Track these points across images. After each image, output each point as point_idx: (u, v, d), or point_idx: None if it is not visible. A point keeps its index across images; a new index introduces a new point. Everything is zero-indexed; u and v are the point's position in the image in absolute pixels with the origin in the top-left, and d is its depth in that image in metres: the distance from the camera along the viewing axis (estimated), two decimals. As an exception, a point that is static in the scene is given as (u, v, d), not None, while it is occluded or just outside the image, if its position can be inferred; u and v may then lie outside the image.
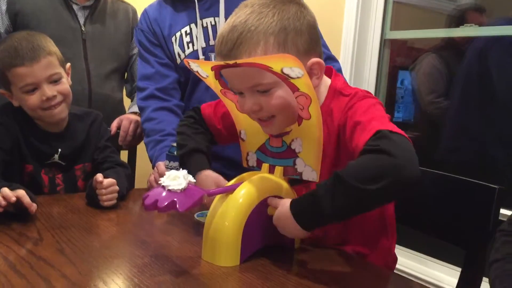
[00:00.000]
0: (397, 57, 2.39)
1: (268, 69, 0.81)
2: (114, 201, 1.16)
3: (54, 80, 1.25)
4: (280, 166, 0.94)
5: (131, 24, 1.80)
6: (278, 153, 0.95)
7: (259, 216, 0.87)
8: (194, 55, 1.45)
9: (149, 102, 1.48)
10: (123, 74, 1.85)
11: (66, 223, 1.03)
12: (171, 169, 1.21)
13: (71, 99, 1.30)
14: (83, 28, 1.69)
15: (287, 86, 0.85)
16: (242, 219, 0.84)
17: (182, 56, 1.46)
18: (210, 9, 1.46)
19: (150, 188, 1.33)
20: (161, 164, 1.29)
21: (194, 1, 1.45)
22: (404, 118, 2.55)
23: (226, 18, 1.06)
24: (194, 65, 0.92)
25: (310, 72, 0.87)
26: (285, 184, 0.92)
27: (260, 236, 0.89)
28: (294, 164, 0.93)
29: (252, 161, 1.02)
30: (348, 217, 0.87)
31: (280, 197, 0.90)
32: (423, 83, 2.33)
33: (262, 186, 0.88)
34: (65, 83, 1.28)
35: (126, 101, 1.88)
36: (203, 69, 0.92)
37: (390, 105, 2.42)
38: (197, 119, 1.15)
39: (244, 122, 1.00)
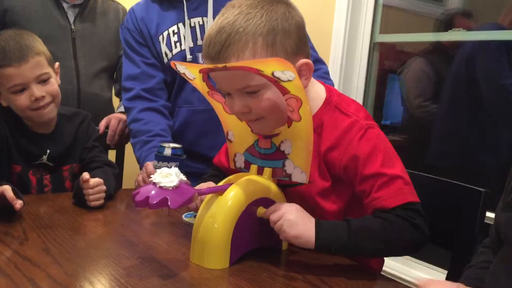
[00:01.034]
0: (386, 60, 2.40)
1: (259, 72, 0.81)
2: (102, 201, 1.15)
3: (43, 80, 1.24)
4: (269, 167, 0.94)
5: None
6: (267, 154, 0.95)
7: (249, 219, 0.87)
8: (181, 55, 1.45)
9: (136, 103, 1.47)
10: (112, 73, 1.84)
11: (52, 223, 1.02)
12: (159, 169, 1.21)
13: (60, 99, 1.29)
14: (72, 27, 1.67)
15: (277, 89, 0.85)
16: (231, 222, 0.84)
17: (170, 55, 1.46)
18: (198, 9, 1.45)
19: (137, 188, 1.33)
20: (149, 164, 1.28)
21: (182, 1, 1.45)
22: (392, 121, 2.57)
23: (214, 18, 1.06)
24: (181, 67, 0.91)
25: (299, 73, 0.87)
26: (273, 186, 0.92)
27: (250, 239, 0.89)
28: (283, 165, 0.93)
29: (240, 163, 1.01)
30: (351, 254, 0.91)
31: (271, 200, 0.90)
32: (411, 87, 2.35)
33: (251, 188, 0.88)
34: (54, 83, 1.27)
35: (115, 101, 1.86)
36: (190, 71, 0.91)
37: (378, 108, 2.43)
38: (215, 172, 1.15)
39: (232, 123, 1.00)
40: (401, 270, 2.00)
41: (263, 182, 0.91)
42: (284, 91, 0.84)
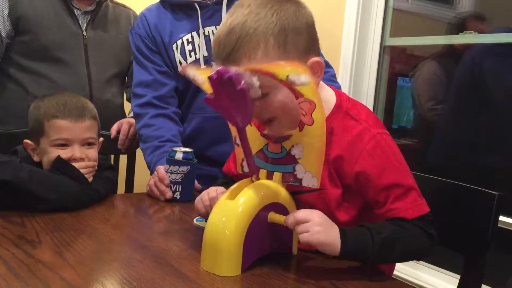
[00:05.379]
0: (396, 64, 2.40)
1: (273, 76, 0.80)
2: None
3: (88, 143, 1.24)
4: (279, 172, 0.94)
5: (133, 29, 1.81)
6: (277, 159, 0.94)
7: (260, 224, 0.85)
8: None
9: (147, 109, 1.47)
10: (123, 79, 1.85)
11: (65, 226, 1.03)
12: (171, 173, 1.22)
13: (96, 169, 1.26)
14: (84, 33, 1.69)
15: (290, 92, 0.84)
16: (243, 228, 0.82)
17: (184, 64, 1.46)
18: (212, 18, 1.46)
19: (149, 192, 1.33)
20: (161, 168, 1.29)
21: (196, 9, 1.45)
22: (402, 125, 2.55)
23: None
24: (192, 72, 0.91)
25: (311, 71, 0.86)
26: (283, 191, 0.91)
27: (261, 245, 0.88)
28: (294, 170, 0.92)
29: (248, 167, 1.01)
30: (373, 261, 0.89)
31: (281, 205, 0.89)
32: (422, 90, 2.34)
33: (262, 193, 0.87)
34: (95, 152, 1.26)
35: (127, 106, 1.88)
36: (201, 73, 0.91)
37: (389, 112, 2.42)
38: (225, 180, 1.15)
39: (240, 127, 0.99)
40: (413, 275, 1.99)
41: (273, 187, 0.91)
42: (298, 95, 0.84)
